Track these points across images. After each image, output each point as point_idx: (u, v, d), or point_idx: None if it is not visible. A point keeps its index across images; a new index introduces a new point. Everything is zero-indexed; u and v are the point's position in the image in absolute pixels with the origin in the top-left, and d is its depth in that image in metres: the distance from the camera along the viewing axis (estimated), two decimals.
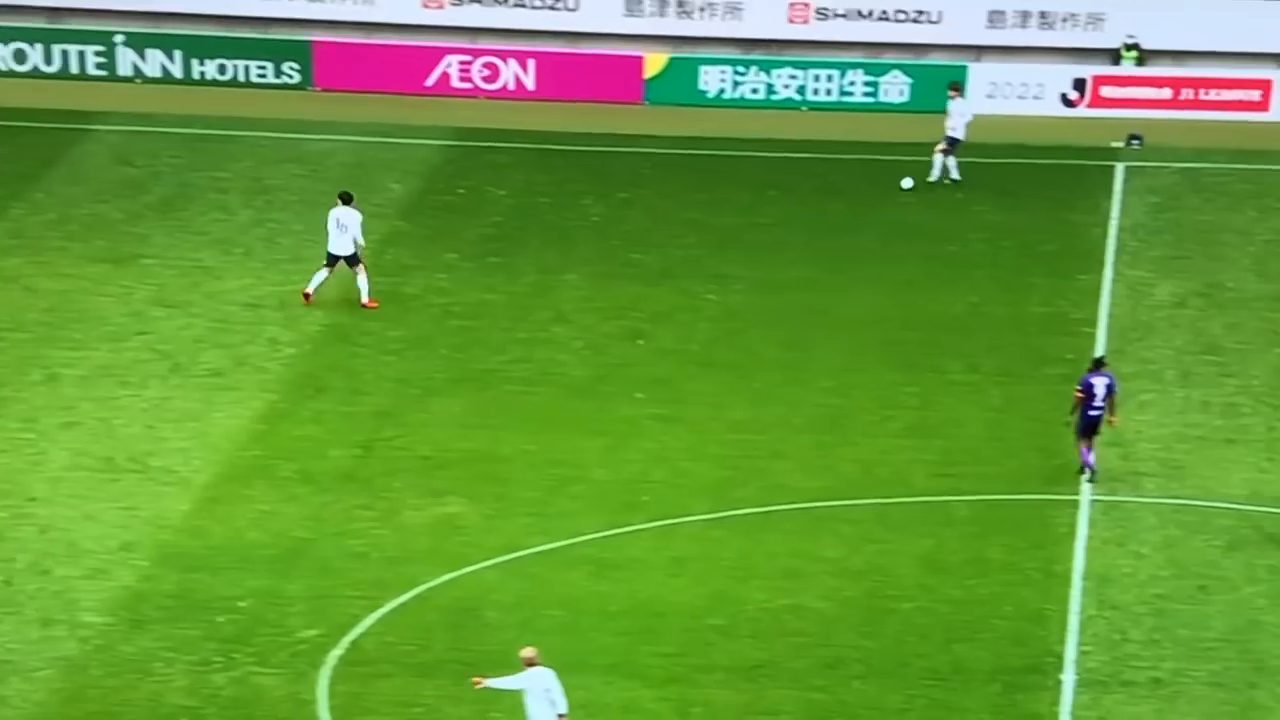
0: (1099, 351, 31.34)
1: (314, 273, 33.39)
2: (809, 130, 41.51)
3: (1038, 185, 39.09)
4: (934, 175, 38.39)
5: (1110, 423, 27.94)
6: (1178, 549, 26.34)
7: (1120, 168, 39.92)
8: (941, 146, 38.34)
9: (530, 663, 21.58)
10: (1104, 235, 36.70)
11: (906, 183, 37.74)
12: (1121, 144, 41.22)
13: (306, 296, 33.28)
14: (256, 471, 28.20)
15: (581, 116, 41.92)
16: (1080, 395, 27.97)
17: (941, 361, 31.78)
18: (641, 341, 32.55)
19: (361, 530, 26.71)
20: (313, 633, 24.41)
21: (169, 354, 31.75)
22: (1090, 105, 42.91)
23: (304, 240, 36.16)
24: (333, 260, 33.21)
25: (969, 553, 26.16)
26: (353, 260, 33.21)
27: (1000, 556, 26.06)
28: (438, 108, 42.37)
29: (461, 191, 38.49)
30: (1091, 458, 28.04)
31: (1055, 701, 23.00)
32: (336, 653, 24.03)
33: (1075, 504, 27.34)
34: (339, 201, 33.45)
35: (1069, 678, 23.45)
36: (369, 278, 33.38)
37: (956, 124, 38.46)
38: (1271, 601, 25.12)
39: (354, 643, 24.24)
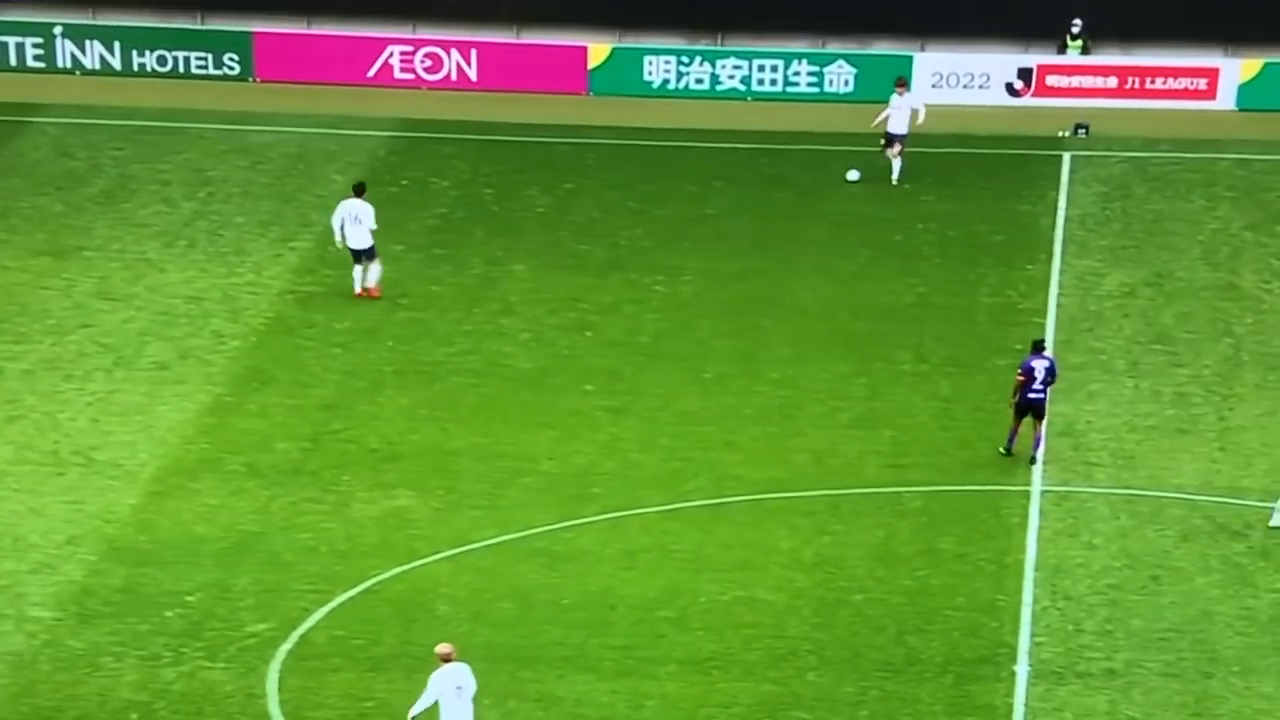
0: (1050, 341, 31.51)
1: (352, 274, 33.01)
2: (755, 121, 41.52)
3: (985, 175, 39.22)
4: (895, 177, 38.26)
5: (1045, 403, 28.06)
6: (1130, 539, 26.44)
7: (1067, 157, 40.09)
8: (884, 145, 38.23)
9: (446, 658, 21.35)
10: (1052, 225, 36.85)
11: (852, 175, 37.67)
12: (1068, 133, 41.41)
13: (368, 292, 32.88)
14: (203, 465, 28.06)
15: (526, 107, 41.82)
16: (1021, 379, 28.17)
17: (891, 352, 31.86)
18: (590, 333, 32.51)
19: (311, 524, 26.60)
20: (262, 627, 24.32)
21: (113, 347, 31.51)
22: (1036, 94, 43.08)
23: (246, 233, 35.96)
24: (356, 255, 32.87)
25: (921, 544, 26.22)
26: (370, 253, 32.89)
27: (952, 547, 26.13)
28: (380, 98, 42.17)
29: (406, 183, 38.31)
30: (1036, 441, 28.21)
31: (1009, 693, 23.08)
32: (286, 647, 23.96)
33: (1027, 494, 27.45)
34: (353, 194, 33.04)
35: (1022, 669, 23.53)
36: (380, 269, 33.02)
37: (893, 118, 38.33)
38: (1224, 591, 25.26)
39: (304, 637, 24.16)
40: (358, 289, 33.24)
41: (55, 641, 23.92)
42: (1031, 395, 27.99)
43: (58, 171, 38.28)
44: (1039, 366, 28.20)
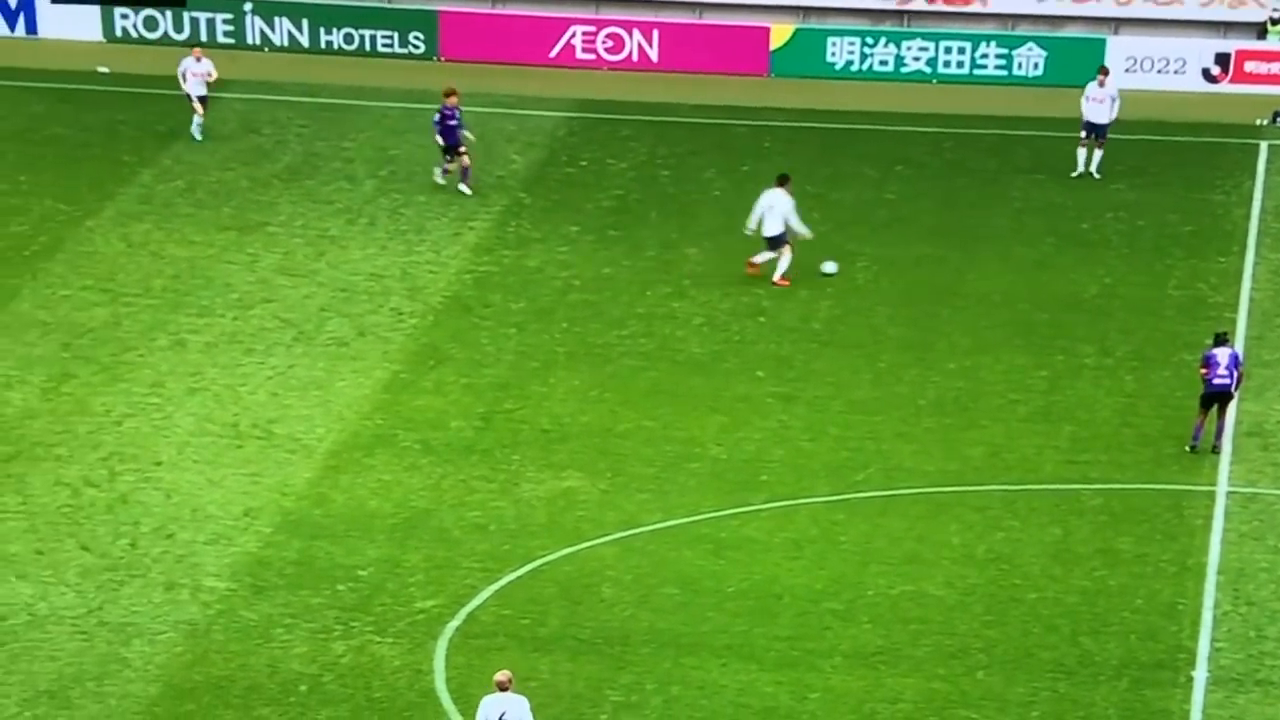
0: (1240, 336, 30.64)
1: (755, 257, 33.08)
2: (939, 104, 40.92)
3: (1177, 164, 38.32)
4: (1095, 169, 37.27)
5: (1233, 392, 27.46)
6: None
7: (1264, 146, 39.05)
8: (1085, 135, 37.13)
9: (502, 686, 20.81)
10: (1246, 217, 35.90)
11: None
12: (1266, 121, 40.28)
13: (770, 279, 32.94)
14: (378, 441, 28.34)
15: (705, 88, 41.66)
16: (1204, 371, 27.53)
17: (1073, 344, 31.24)
18: (762, 318, 32.31)
19: (481, 502, 26.77)
20: (431, 603, 24.53)
21: (293, 322, 31.94)
22: (1234, 81, 41.94)
23: (426, 211, 36.28)
24: (769, 243, 32.94)
25: (1099, 543, 25.71)
26: (779, 241, 32.88)
27: (1131, 548, 25.59)
28: (561, 79, 42.27)
29: (583, 164, 38.38)
30: (1218, 432, 27.51)
31: (1186, 699, 22.57)
32: (454, 624, 24.14)
33: (1212, 495, 26.80)
34: (775, 184, 33.08)
35: (1201, 675, 23.00)
36: (789, 260, 32.94)
37: (1093, 108, 37.23)
38: None
39: (471, 615, 24.32)
40: (754, 265, 32.85)
41: (229, 612, 24.33)
42: (1216, 381, 27.37)
43: (244, 147, 38.88)
44: (1221, 354, 27.53)
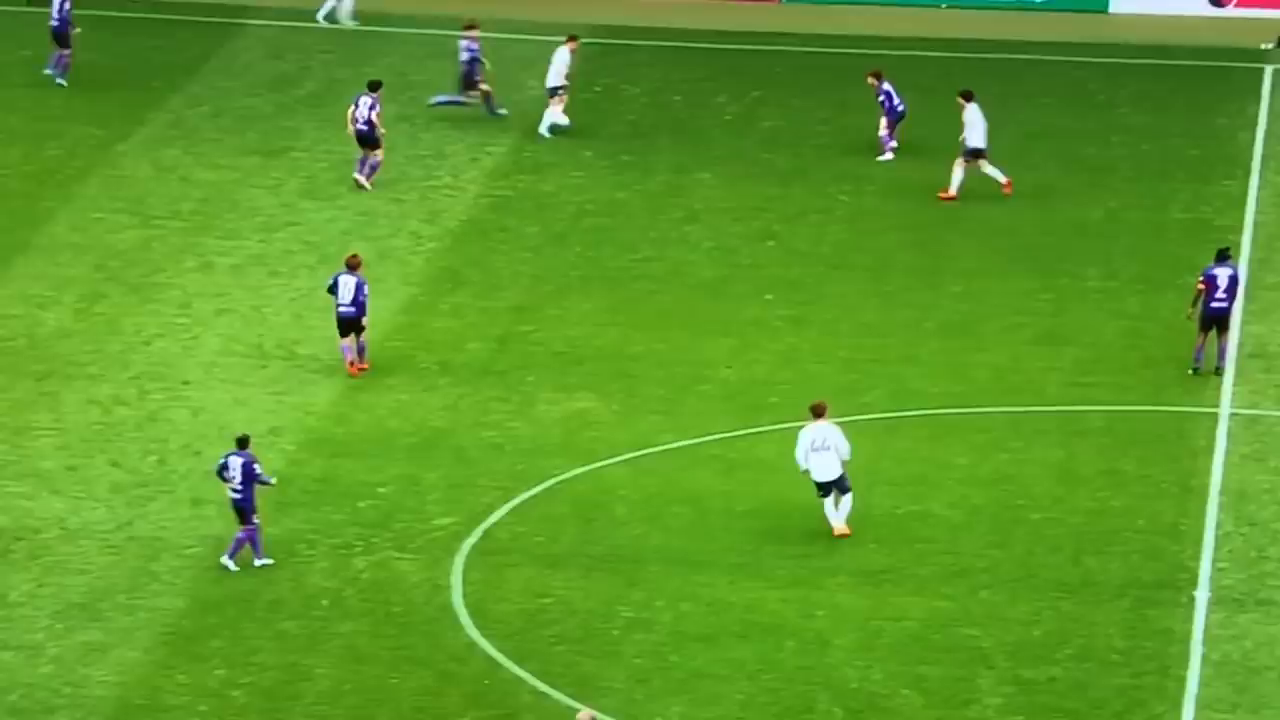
0: (1244, 259, 30.17)
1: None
2: (948, 29, 40.25)
3: (1182, 88, 37.70)
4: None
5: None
6: None
7: (1269, 70, 38.33)
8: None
9: None
10: (1251, 140, 35.32)
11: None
12: (1271, 45, 39.50)
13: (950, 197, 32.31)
14: (398, 362, 28.15)
15: (719, 14, 41.04)
16: (1202, 287, 27.12)
17: (1078, 268, 30.85)
18: (772, 242, 31.95)
19: (497, 422, 26.59)
20: (449, 520, 24.40)
21: (317, 245, 31.70)
22: (1239, 4, 41.15)
23: (444, 136, 35.85)
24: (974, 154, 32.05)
25: (1102, 464, 25.42)
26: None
27: (1134, 469, 25.29)
28: (578, 4, 41.63)
29: (598, 89, 37.89)
30: (1220, 353, 27.11)
31: (1188, 618, 22.33)
32: (471, 541, 24.03)
33: (1214, 417, 26.48)
34: (963, 101, 32.31)
35: (1203, 595, 22.76)
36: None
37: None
38: None
39: (487, 532, 24.20)
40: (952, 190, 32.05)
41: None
42: (1215, 305, 26.95)
43: (269, 73, 38.49)
44: (1221, 275, 27.11)
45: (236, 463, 23.60)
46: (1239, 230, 31.87)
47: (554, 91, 34.91)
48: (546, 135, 35.21)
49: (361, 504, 24.75)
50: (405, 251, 31.59)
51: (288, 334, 28.86)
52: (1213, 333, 27.19)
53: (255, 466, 23.58)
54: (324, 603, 22.88)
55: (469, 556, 23.66)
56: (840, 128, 36.11)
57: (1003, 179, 32.75)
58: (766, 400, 27.10)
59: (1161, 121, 36.29)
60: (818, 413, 23.97)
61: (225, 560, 23.61)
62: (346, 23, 39.17)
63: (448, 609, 22.73)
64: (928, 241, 31.91)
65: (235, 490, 23.57)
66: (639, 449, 25.96)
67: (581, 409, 26.97)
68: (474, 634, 22.33)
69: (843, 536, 23.86)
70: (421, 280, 30.59)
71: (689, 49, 37.77)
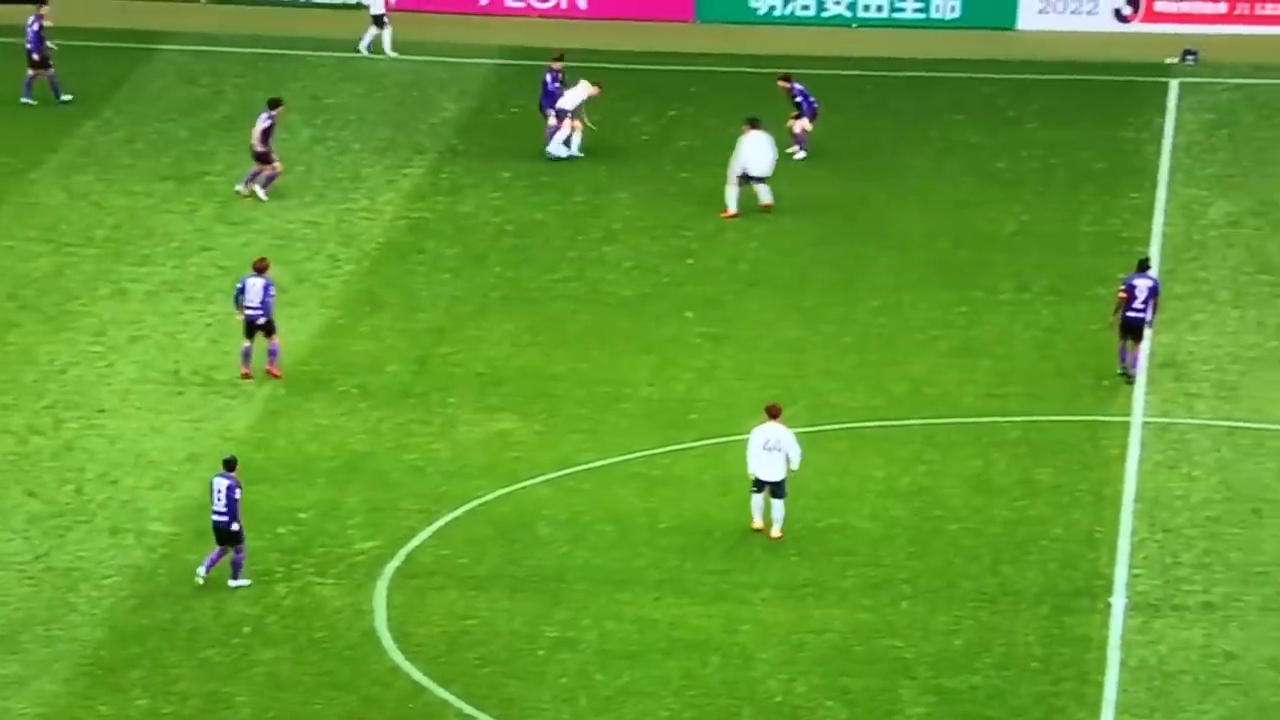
0: (1153, 271, 30.59)
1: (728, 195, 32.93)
2: (859, 48, 40.60)
3: (1090, 102, 38.16)
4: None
5: (1149, 324, 27.50)
6: (1231, 472, 25.71)
7: (1175, 84, 38.88)
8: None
9: None
10: (1157, 153, 35.81)
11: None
12: (1176, 60, 40.08)
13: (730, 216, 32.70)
14: (317, 385, 28.03)
15: (633, 34, 41.19)
16: (1123, 295, 27.53)
17: (991, 280, 31.16)
18: (691, 260, 32.06)
19: (418, 444, 26.49)
20: (371, 545, 24.29)
21: (232, 270, 31.44)
22: (1144, 20, 41.76)
23: (361, 159, 35.75)
24: (746, 179, 32.96)
25: (1018, 474, 25.66)
26: (760, 180, 32.88)
27: (1050, 478, 25.54)
28: (492, 27, 41.67)
29: (515, 110, 37.92)
30: (1132, 361, 27.52)
31: (1105, 625, 22.54)
32: (393, 565, 23.92)
33: (1127, 426, 26.79)
34: (746, 128, 32.89)
35: (1119, 601, 22.98)
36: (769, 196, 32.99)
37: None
38: None
39: (410, 555, 24.10)
40: (732, 208, 32.81)
41: (173, 555, 24.04)
42: (1130, 315, 27.34)
43: (183, 98, 38.30)
44: (1141, 285, 27.52)
45: (221, 485, 23.46)
46: (1146, 242, 32.29)
47: (562, 114, 34.61)
48: (558, 155, 35.00)
49: (282, 530, 24.60)
50: (322, 275, 31.46)
51: (204, 360, 28.68)
52: (1130, 341, 27.55)
53: (237, 491, 23.42)
54: (245, 630, 22.72)
55: (392, 580, 23.55)
56: None
57: (767, 199, 33.08)
58: (687, 417, 27.17)
59: (1070, 136, 36.72)
60: (772, 414, 24.25)
61: (234, 582, 23.44)
62: (389, 53, 39.06)
63: (371, 634, 22.60)
64: (844, 257, 32.14)
65: (217, 513, 23.40)
66: (561, 468, 25.95)
67: (503, 430, 26.94)
68: (398, 658, 22.21)
69: (759, 530, 24.11)
70: (339, 303, 30.48)
71: (604, 69, 37.82)
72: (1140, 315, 27.37)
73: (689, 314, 30.25)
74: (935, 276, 31.32)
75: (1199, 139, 36.47)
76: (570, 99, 35.36)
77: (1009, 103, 38.02)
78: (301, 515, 24.85)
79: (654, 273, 31.69)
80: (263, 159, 33.51)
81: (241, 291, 28.08)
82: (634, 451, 26.30)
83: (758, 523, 24.35)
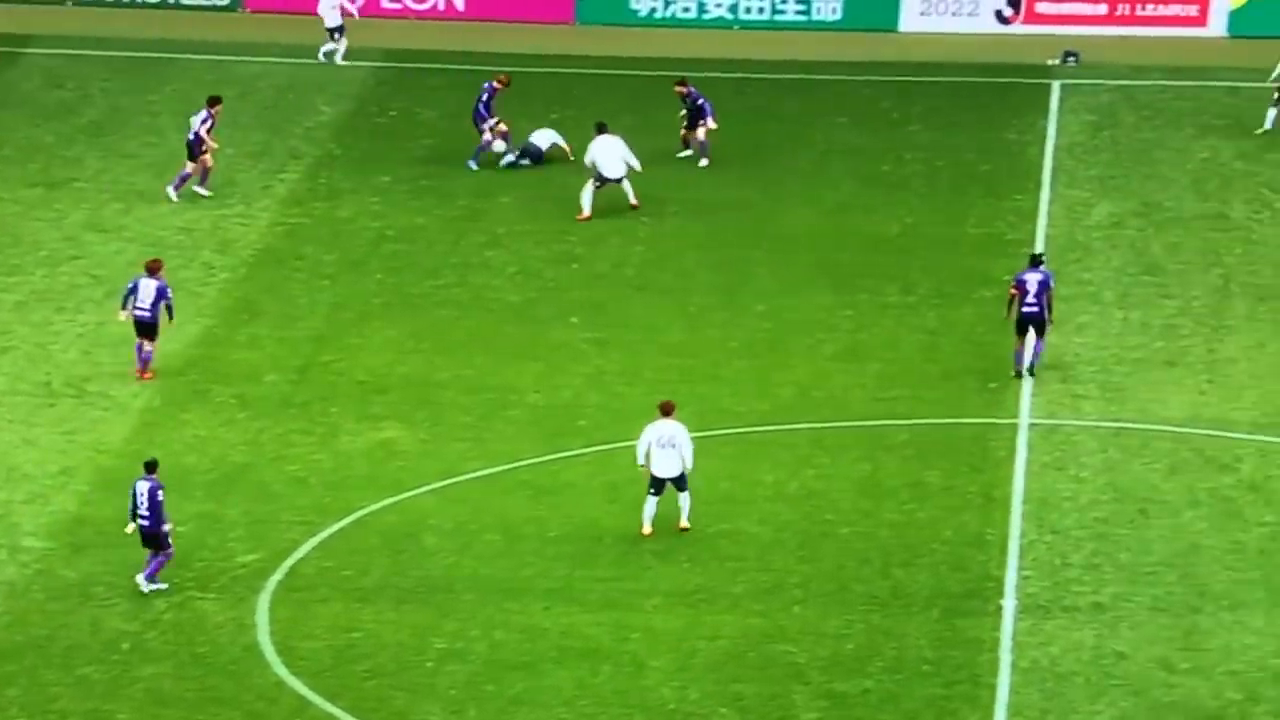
0: (1045, 267, 31.15)
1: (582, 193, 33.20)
2: (741, 50, 40.98)
3: (973, 104, 38.79)
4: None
5: (1049, 321, 28.03)
6: (1118, 473, 26.17)
7: (1056, 86, 39.55)
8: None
9: None
10: (1040, 155, 36.41)
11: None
12: (1058, 61, 40.82)
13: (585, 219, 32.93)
14: (193, 396, 27.89)
15: (513, 37, 41.28)
16: (1014, 292, 28.03)
17: (877, 284, 31.57)
18: (575, 265, 32.19)
19: (299, 455, 26.42)
20: (252, 558, 24.19)
21: (104, 279, 31.22)
22: (1025, 21, 42.51)
23: (235, 164, 35.53)
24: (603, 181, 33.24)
25: (907, 477, 26.01)
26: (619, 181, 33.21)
27: (939, 481, 25.91)
28: (368, 29, 41.57)
29: (393, 114, 37.91)
30: (1027, 356, 28.04)
31: (996, 627, 22.88)
32: (276, 578, 23.83)
33: (1014, 427, 27.22)
34: (595, 133, 33.25)
35: (1009, 603, 23.33)
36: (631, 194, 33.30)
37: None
38: (1212, 525, 24.98)
39: (293, 568, 24.02)
40: (586, 211, 33.26)
41: (48, 571, 23.81)
42: (1025, 309, 27.85)
43: (49, 103, 37.91)
44: (1031, 280, 28.06)
45: (143, 488, 23.31)
46: (1031, 243, 32.83)
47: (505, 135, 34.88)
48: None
49: None
50: (197, 283, 31.24)
51: (76, 371, 28.39)
52: (1031, 335, 28.03)
53: (160, 493, 23.29)
54: (125, 646, 22.54)
55: (275, 593, 23.47)
56: (638, 150, 36.50)
57: (633, 200, 33.59)
58: (575, 424, 27.30)
59: (953, 138, 37.29)
60: (666, 411, 24.54)
61: (143, 582, 23.25)
62: (339, 62, 38.97)
63: (254, 648, 22.51)
64: (729, 261, 32.43)
65: (143, 517, 23.28)
66: (447, 477, 25.97)
67: (387, 438, 26.90)
68: (282, 672, 22.14)
69: (648, 536, 24.33)
70: (215, 312, 30.29)
71: (485, 71, 37.87)
72: (1034, 309, 27.90)
73: (575, 319, 30.38)
74: (820, 280, 31.69)
75: (1081, 140, 37.17)
76: (541, 139, 35.38)
77: (892, 105, 38.56)
78: (180, 529, 24.63)
79: (538, 277, 31.80)
80: (194, 154, 33.41)
81: (133, 291, 28.08)
82: (521, 459, 26.37)
83: (647, 529, 24.57)
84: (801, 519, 25.10)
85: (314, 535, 24.59)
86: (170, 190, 33.63)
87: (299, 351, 29.24)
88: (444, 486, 25.77)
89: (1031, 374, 28.05)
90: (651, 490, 24.47)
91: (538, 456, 26.42)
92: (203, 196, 33.61)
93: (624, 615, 23.13)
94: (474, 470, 26.11)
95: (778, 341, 29.70)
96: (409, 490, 25.63)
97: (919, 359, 29.20)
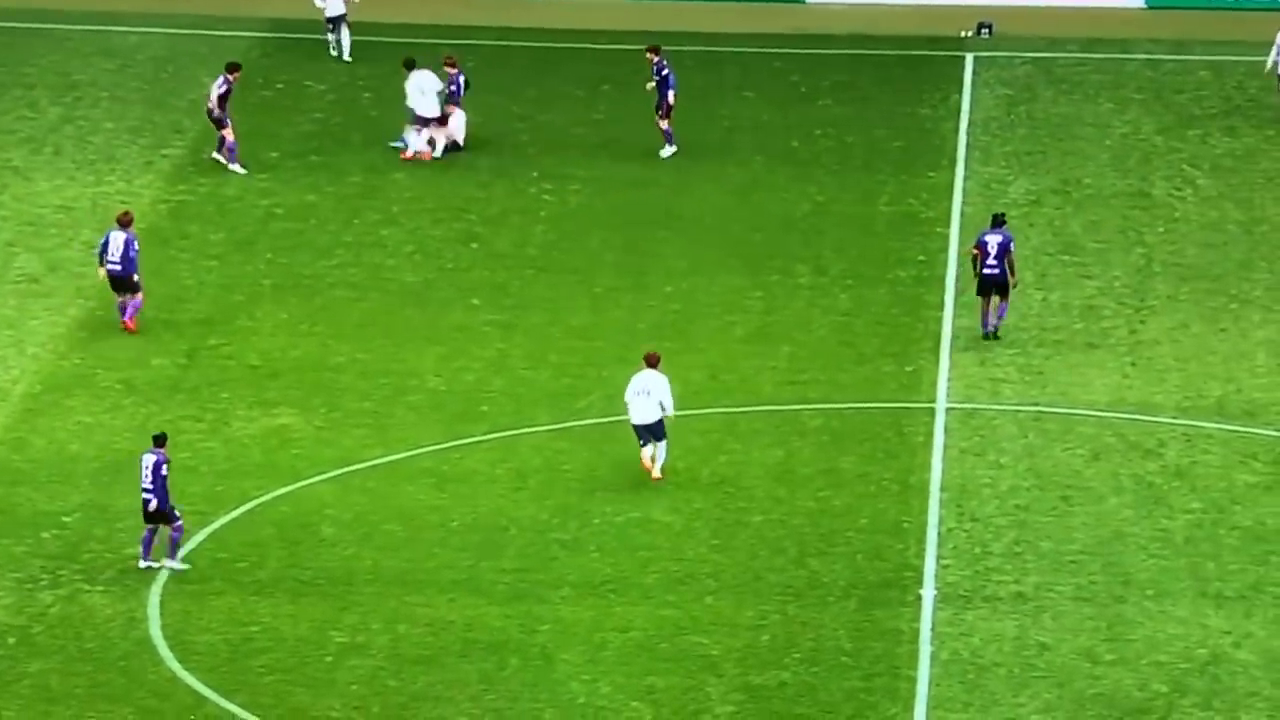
0: (952, 251, 31.67)
1: (403, 135, 33.79)
2: (643, 21, 41.19)
3: (884, 78, 39.14)
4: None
5: (1012, 283, 28.59)
6: (1039, 458, 26.47)
7: (970, 58, 39.93)
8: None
9: None
10: (954, 130, 36.78)
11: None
12: (971, 33, 41.28)
13: (418, 155, 33.73)
14: (77, 381, 27.81)
15: (406, 7, 41.26)
16: (975, 253, 28.69)
17: (787, 264, 31.91)
18: (475, 245, 32.35)
19: (190, 443, 26.42)
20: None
21: None
22: None
23: (115, 139, 35.37)
24: (423, 121, 33.88)
25: (821, 463, 26.32)
26: (443, 119, 33.93)
27: (854, 467, 26.23)
28: None
29: (280, 86, 37.80)
30: (992, 319, 28.62)
31: (915, 617, 23.17)
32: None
33: (931, 412, 27.57)
34: (406, 71, 33.91)
35: (929, 593, 23.61)
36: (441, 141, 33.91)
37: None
38: (1136, 512, 25.32)
39: (185, 559, 23.98)
40: (408, 152, 34.04)
41: None
42: (986, 271, 28.42)
43: None
44: (992, 241, 28.60)
45: (149, 460, 23.47)
46: (946, 222, 33.32)
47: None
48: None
49: (45, 534, 24.39)
50: (77, 263, 31.10)
51: None
52: (995, 298, 28.53)
53: (165, 467, 23.50)
54: (10, 641, 22.50)
55: (166, 586, 23.50)
56: (538, 125, 36.72)
57: (411, 150, 34.24)
58: (478, 409, 27.45)
59: (865, 113, 37.67)
60: (650, 362, 25.71)
61: (172, 563, 23.42)
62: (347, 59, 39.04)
63: (146, 642, 22.55)
64: (635, 241, 32.69)
65: (146, 490, 23.43)
66: (345, 465, 26.06)
67: (281, 425, 26.97)
68: (176, 667, 22.20)
69: (657, 482, 25.32)
70: (97, 293, 30.12)
71: (377, 44, 37.92)
72: (994, 271, 28.40)
73: (476, 301, 30.53)
74: (729, 260, 32.01)
75: (997, 115, 37.59)
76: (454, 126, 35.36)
77: (801, 79, 38.90)
78: (66, 519, 24.65)
79: (437, 257, 31.91)
80: (219, 124, 33.63)
81: (105, 246, 28.58)
82: (422, 446, 26.50)
83: (647, 463, 25.44)
84: (714, 507, 25.38)
85: (206, 526, 24.63)
86: (234, 166, 33.75)
87: (186, 335, 29.22)
88: (342, 475, 25.87)
89: (996, 336, 28.63)
90: (640, 440, 25.37)
91: (439, 443, 26.57)
92: (217, 161, 33.99)
93: (532, 607, 23.34)
94: (373, 458, 26.22)
95: (686, 324, 29.98)
96: (305, 479, 25.72)
97: (832, 341, 29.57)
